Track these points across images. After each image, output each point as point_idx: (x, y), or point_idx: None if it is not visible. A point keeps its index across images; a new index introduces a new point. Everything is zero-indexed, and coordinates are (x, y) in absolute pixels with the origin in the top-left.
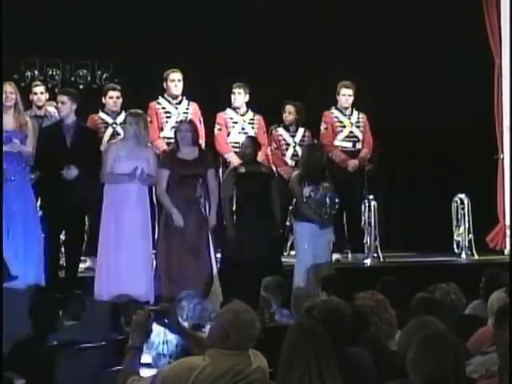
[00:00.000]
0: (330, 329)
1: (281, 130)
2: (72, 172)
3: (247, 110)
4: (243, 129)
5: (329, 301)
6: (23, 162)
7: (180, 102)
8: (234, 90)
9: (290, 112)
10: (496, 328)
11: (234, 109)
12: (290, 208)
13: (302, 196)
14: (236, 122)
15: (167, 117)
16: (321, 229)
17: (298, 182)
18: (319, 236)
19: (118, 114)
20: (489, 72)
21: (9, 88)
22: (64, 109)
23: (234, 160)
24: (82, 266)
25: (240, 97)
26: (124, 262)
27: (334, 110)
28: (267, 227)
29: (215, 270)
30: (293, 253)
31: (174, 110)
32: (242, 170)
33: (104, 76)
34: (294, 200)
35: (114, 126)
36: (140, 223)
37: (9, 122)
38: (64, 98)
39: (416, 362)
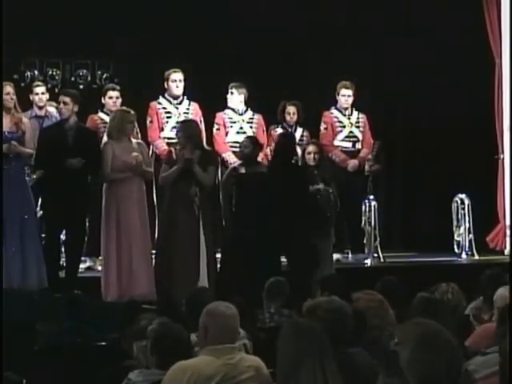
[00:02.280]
0: (332, 328)
1: (279, 131)
2: (77, 162)
3: (246, 110)
4: (241, 128)
5: (332, 300)
6: (22, 163)
7: (181, 102)
8: (229, 90)
9: (293, 113)
10: (498, 327)
11: (233, 109)
12: None
13: None
14: (235, 122)
15: (168, 117)
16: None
17: None
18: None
19: None
20: (489, 72)
21: (9, 89)
22: (66, 110)
23: (232, 159)
24: (82, 266)
25: (233, 97)
26: (125, 262)
27: (333, 110)
28: (267, 227)
29: (204, 269)
30: None
31: (175, 109)
32: (242, 170)
33: (104, 76)
34: None
35: None
36: (140, 222)
37: (5, 122)
38: (67, 99)
39: (411, 363)
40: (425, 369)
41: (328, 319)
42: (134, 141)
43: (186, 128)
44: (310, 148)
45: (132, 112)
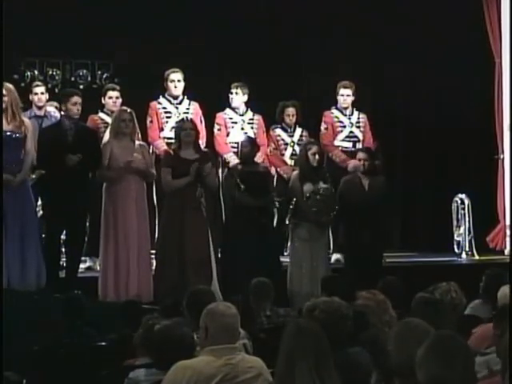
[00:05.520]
0: (330, 329)
1: (278, 131)
2: (75, 157)
3: (246, 110)
4: (242, 129)
5: (330, 301)
6: (22, 162)
7: (181, 102)
8: (232, 90)
9: (292, 115)
10: (495, 328)
11: (233, 109)
12: (290, 207)
13: (301, 196)
14: (235, 122)
15: (167, 117)
16: (319, 229)
17: (297, 181)
18: (317, 236)
19: None
20: (489, 72)
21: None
22: (79, 110)
23: (233, 160)
24: (81, 266)
25: (238, 97)
26: (124, 262)
27: (334, 110)
28: (267, 227)
29: (215, 270)
30: None
31: (175, 109)
32: (241, 169)
33: (104, 76)
34: (294, 200)
35: None
36: (138, 222)
37: (5, 123)
38: (81, 100)
39: (424, 364)
40: (439, 371)
41: (325, 320)
42: (137, 142)
43: (186, 128)
44: (314, 149)
45: (128, 110)
